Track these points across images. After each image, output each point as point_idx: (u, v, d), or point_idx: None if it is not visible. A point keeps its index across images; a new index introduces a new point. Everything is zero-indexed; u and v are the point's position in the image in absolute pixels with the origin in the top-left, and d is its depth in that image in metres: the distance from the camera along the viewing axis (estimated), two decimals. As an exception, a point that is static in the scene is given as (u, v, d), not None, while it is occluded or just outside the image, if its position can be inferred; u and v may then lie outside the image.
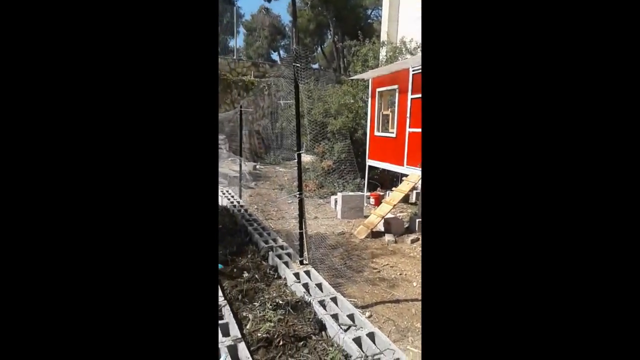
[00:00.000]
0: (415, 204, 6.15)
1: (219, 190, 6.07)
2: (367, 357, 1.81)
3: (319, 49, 24.47)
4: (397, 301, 2.99)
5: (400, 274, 3.52)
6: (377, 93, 6.10)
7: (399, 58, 7.26)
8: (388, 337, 2.47)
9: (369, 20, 20.94)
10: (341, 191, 6.37)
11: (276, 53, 26.39)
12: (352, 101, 7.82)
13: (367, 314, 2.79)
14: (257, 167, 10.46)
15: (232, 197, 5.87)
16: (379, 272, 3.58)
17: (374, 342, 1.97)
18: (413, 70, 5.00)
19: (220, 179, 7.11)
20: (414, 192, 6.21)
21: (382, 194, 6.48)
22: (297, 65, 3.11)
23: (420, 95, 4.90)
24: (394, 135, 5.66)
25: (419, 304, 2.94)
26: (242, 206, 5.25)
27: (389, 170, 6.42)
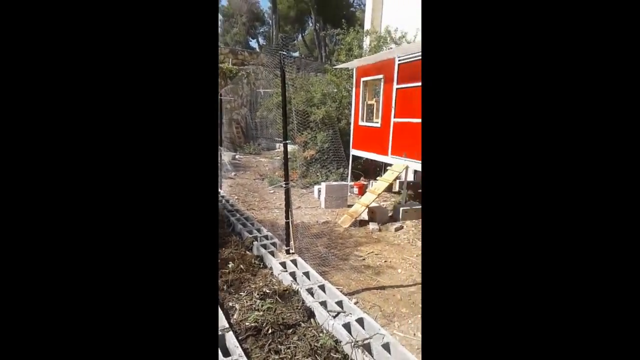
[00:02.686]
0: (399, 193, 6.23)
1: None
2: (357, 341, 1.82)
3: (300, 36, 24.09)
4: (383, 288, 3.04)
5: (385, 262, 3.57)
6: (361, 82, 6.07)
7: (384, 47, 7.24)
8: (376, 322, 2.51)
9: (351, 9, 20.76)
10: (325, 181, 6.36)
11: (255, 40, 25.75)
12: (335, 90, 7.76)
13: (354, 300, 2.81)
14: (237, 156, 10.26)
15: (214, 186, 5.72)
16: (364, 259, 3.61)
17: (363, 327, 1.99)
18: (399, 60, 5.00)
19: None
20: (398, 181, 6.29)
21: (365, 183, 6.52)
22: (284, 53, 3.03)
23: (405, 86, 4.92)
24: (378, 125, 5.68)
25: (404, 290, 3.00)
26: (222, 196, 5.14)
27: (373, 160, 6.46)
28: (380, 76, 5.48)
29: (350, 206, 5.16)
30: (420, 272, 3.32)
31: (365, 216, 4.79)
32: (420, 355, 1.60)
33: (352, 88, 6.67)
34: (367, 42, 8.04)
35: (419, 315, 2.58)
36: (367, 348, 1.82)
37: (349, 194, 5.95)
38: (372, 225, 4.53)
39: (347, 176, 6.67)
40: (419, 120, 4.58)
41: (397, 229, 4.42)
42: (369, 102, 6.23)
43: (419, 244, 4.00)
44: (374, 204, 4.87)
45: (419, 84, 4.55)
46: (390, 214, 4.93)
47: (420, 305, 2.72)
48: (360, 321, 2.04)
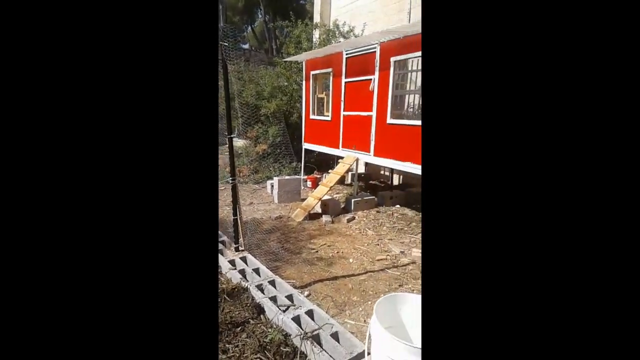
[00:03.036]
0: (350, 185, 6.36)
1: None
2: (306, 333, 1.83)
3: (249, 28, 23.42)
4: (335, 278, 3.08)
5: (337, 252, 3.62)
6: (311, 76, 6.06)
7: (332, 41, 7.29)
8: (327, 312, 2.53)
9: (301, 1, 20.59)
10: (277, 175, 6.28)
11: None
12: (286, 84, 7.67)
13: (306, 293, 2.82)
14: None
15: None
16: (317, 252, 3.64)
17: (312, 319, 2.00)
18: (347, 54, 5.06)
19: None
20: (350, 173, 6.41)
21: (318, 176, 6.56)
22: (225, 44, 2.91)
23: (353, 79, 4.99)
24: (329, 118, 5.72)
25: (355, 278, 3.07)
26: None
27: (325, 153, 6.51)
28: (329, 70, 5.51)
29: (303, 200, 5.16)
30: (370, 260, 3.42)
31: (318, 209, 4.82)
32: (367, 341, 1.65)
33: (302, 81, 6.64)
34: (316, 35, 8.03)
35: (370, 302, 2.66)
36: (316, 339, 1.83)
37: (302, 187, 5.95)
38: (325, 218, 4.57)
39: (301, 170, 6.66)
40: (368, 113, 4.69)
41: (349, 220, 4.51)
42: (319, 96, 6.25)
43: (370, 232, 4.12)
44: (326, 197, 4.91)
45: (366, 77, 4.65)
46: (342, 206, 5.01)
47: (370, 293, 2.80)
48: (310, 313, 2.04)
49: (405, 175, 6.23)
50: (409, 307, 1.45)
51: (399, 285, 2.91)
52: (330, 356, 1.71)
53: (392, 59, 4.16)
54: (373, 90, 4.52)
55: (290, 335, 1.89)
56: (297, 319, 1.97)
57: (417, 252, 3.49)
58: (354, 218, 4.58)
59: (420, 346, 1.23)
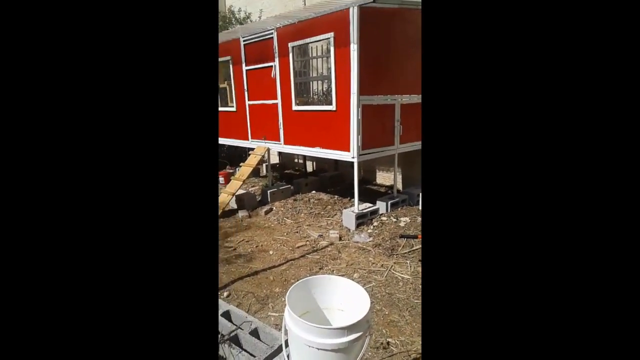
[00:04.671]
0: (265, 176, 6.24)
1: None
2: (223, 336, 1.71)
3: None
4: (256, 273, 2.99)
5: (256, 247, 3.52)
6: (209, 65, 5.66)
7: (229, 28, 6.92)
8: (248, 309, 2.44)
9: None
10: (185, 175, 5.78)
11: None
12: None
13: (225, 294, 2.67)
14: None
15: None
16: (235, 249, 3.48)
17: (230, 320, 1.89)
18: (244, 41, 4.83)
19: None
20: (264, 164, 6.28)
21: (231, 171, 6.27)
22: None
23: (254, 67, 4.81)
24: (234, 109, 5.46)
25: (276, 269, 3.03)
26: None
27: (235, 147, 6.23)
28: (228, 57, 5.22)
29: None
30: (290, 248, 3.41)
31: (233, 205, 4.60)
32: (282, 332, 1.62)
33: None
34: (212, 22, 7.53)
35: (291, 290, 2.65)
36: (234, 340, 1.73)
37: (215, 185, 5.61)
38: (242, 213, 4.40)
39: (211, 167, 6.26)
40: (273, 101, 4.60)
41: (266, 212, 4.42)
42: (221, 86, 5.90)
43: (288, 221, 4.11)
44: (241, 191, 4.72)
45: (267, 64, 4.53)
46: (259, 199, 4.89)
47: (292, 281, 2.79)
48: (226, 315, 1.92)
49: (318, 160, 6.37)
50: (321, 290, 1.46)
51: (319, 269, 2.97)
52: (251, 354, 1.64)
53: (290, 44, 4.12)
54: (275, 77, 4.43)
55: (206, 344, 1.74)
56: (213, 325, 1.84)
57: (334, 234, 3.60)
58: (271, 209, 4.51)
59: (335, 326, 1.24)
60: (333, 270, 2.93)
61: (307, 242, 3.50)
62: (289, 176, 6.20)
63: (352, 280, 2.85)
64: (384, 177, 5.69)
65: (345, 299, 1.42)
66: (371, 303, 2.55)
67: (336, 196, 4.82)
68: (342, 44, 3.58)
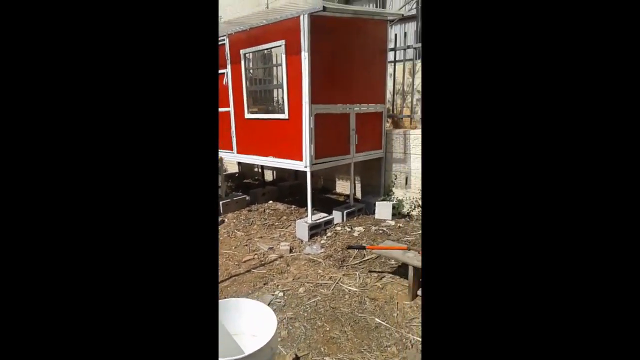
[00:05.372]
0: (220, 187, 6.00)
1: None
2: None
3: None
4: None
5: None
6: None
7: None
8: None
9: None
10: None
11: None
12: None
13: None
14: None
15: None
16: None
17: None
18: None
19: None
20: (219, 175, 6.04)
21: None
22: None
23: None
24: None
25: (219, 286, 2.84)
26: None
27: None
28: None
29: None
30: (236, 263, 3.24)
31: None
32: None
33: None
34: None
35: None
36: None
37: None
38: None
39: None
40: (226, 109, 4.44)
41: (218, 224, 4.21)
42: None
43: (239, 234, 3.93)
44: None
45: (219, 71, 4.38)
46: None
47: (234, 297, 2.62)
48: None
49: (278, 170, 6.24)
50: (228, 315, 1.32)
51: (264, 284, 2.82)
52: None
53: (242, 51, 4.01)
54: (227, 84, 4.29)
55: None
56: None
57: (284, 246, 3.47)
58: (223, 221, 4.31)
59: (245, 354, 1.11)
60: (278, 285, 2.79)
61: (256, 256, 3.34)
62: (247, 185, 6.01)
63: (297, 294, 2.71)
64: (343, 186, 5.66)
65: (255, 323, 1.29)
66: (312, 319, 2.41)
67: (293, 206, 4.70)
68: (293, 52, 3.52)
